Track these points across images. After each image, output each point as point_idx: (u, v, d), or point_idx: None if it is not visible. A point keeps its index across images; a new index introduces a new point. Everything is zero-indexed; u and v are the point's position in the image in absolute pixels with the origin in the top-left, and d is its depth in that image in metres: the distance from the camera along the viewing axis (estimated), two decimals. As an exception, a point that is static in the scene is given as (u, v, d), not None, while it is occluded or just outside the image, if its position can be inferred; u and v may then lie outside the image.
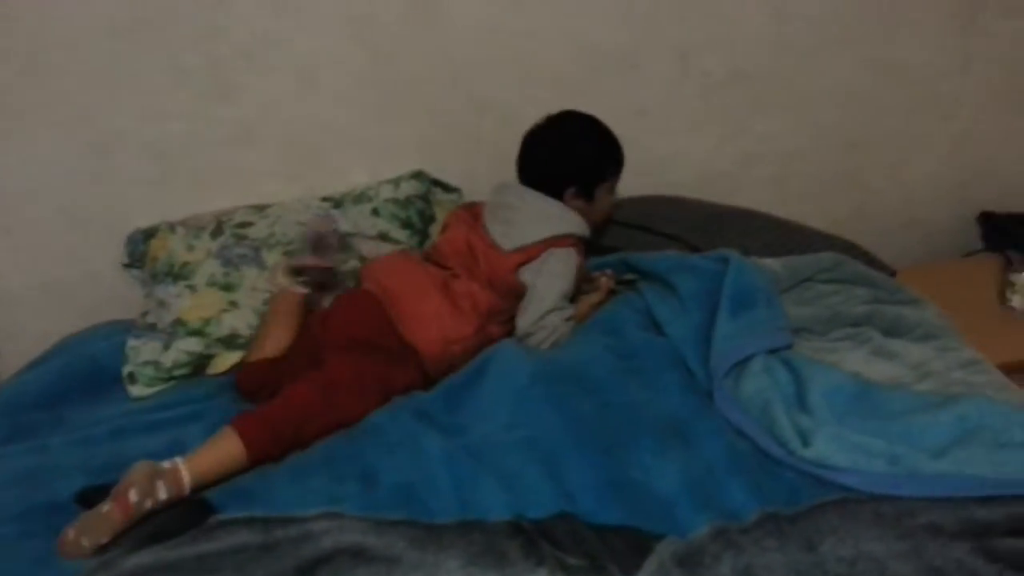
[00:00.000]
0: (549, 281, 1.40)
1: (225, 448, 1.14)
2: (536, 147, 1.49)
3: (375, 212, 1.59)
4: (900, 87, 1.84)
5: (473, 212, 1.52)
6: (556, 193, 1.46)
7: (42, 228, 1.61)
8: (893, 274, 1.55)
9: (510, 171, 1.74)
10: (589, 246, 1.51)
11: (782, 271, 1.45)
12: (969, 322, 1.42)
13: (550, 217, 1.44)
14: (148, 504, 1.06)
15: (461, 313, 1.37)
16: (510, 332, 1.42)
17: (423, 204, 1.63)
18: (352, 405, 1.22)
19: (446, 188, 1.69)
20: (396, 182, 1.64)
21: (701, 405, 1.23)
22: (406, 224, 1.60)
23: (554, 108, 1.69)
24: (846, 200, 1.94)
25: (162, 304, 1.47)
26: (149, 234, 1.56)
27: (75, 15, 1.46)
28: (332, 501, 1.07)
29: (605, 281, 1.49)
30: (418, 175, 1.66)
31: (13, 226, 1.60)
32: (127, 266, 1.58)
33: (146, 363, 1.38)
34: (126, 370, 1.38)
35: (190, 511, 1.08)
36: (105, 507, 1.04)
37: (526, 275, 1.41)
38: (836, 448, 1.11)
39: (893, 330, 1.37)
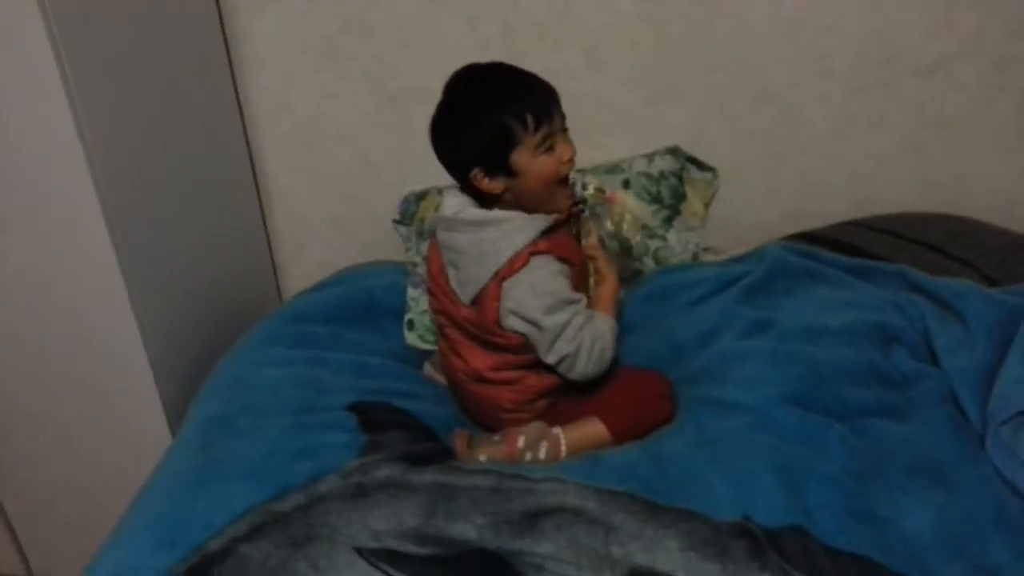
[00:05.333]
0: (533, 307, 1.15)
1: (593, 430, 1.21)
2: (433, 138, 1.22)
3: (626, 184, 1.60)
4: None
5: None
6: (467, 183, 1.20)
7: (340, 169, 1.81)
8: None
9: (781, 167, 1.68)
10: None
11: (1093, 319, 1.26)
12: None
13: (486, 244, 1.16)
14: (528, 456, 1.18)
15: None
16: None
17: (675, 181, 1.60)
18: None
19: (700, 166, 1.65)
20: (650, 156, 1.63)
21: (969, 450, 1.12)
22: (655, 199, 1.59)
23: (841, 108, 1.61)
24: None
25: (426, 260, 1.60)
26: (420, 196, 1.69)
27: (398, -20, 1.61)
28: (556, 468, 1.12)
29: (603, 262, 1.25)
30: (674, 151, 1.63)
31: (319, 164, 1.81)
32: (396, 222, 1.72)
33: (423, 312, 1.50)
34: (407, 316, 1.51)
35: (438, 450, 1.19)
36: (496, 438, 1.21)
37: (511, 323, 1.18)
38: None
39: None
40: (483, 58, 1.63)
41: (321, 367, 1.34)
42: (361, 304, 1.53)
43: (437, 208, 1.28)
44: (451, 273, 1.23)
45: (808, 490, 1.05)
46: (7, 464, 1.52)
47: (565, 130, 1.19)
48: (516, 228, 1.16)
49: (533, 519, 1.03)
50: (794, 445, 1.11)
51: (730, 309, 1.35)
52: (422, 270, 1.57)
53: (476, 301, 1.20)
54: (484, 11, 1.62)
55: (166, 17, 1.45)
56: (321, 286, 1.61)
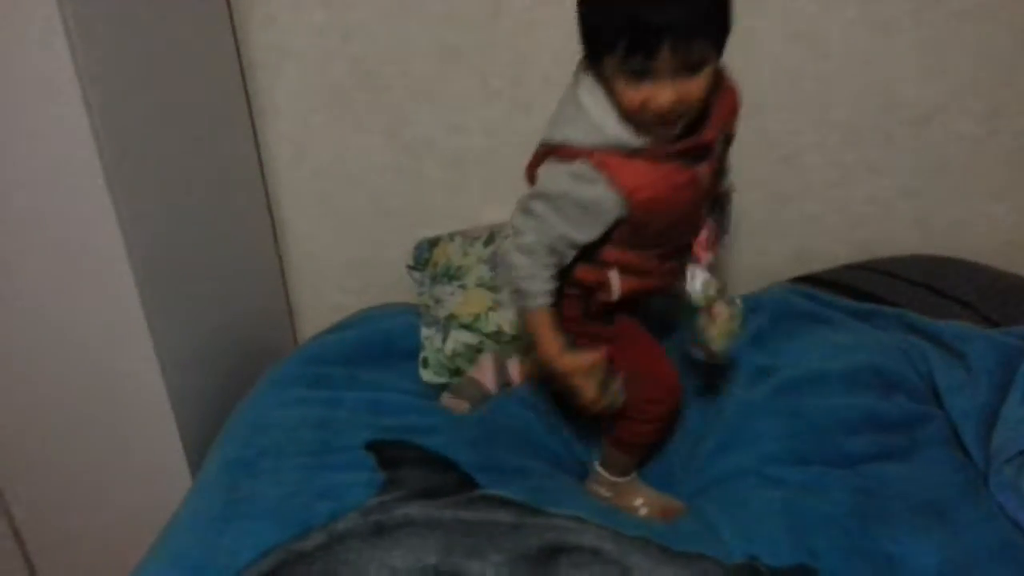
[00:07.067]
0: (522, 202, 1.07)
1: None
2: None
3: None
4: None
5: None
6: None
7: (355, 214, 1.86)
8: None
9: (785, 211, 1.73)
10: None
11: (1090, 360, 1.30)
12: None
13: (556, 118, 1.05)
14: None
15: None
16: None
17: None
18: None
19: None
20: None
21: (972, 488, 1.15)
22: None
23: (841, 153, 1.67)
24: None
25: (439, 301, 1.64)
26: (433, 243, 1.75)
27: (410, 38, 1.68)
28: (577, 506, 1.14)
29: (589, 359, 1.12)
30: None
31: (336, 209, 1.86)
32: (411, 268, 1.77)
33: (438, 350, 1.54)
34: (422, 355, 1.55)
35: (457, 481, 1.21)
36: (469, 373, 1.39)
37: None
38: None
39: None
40: (493, 109, 1.71)
41: (338, 407, 1.37)
42: (378, 345, 1.56)
43: None
44: None
45: (814, 531, 1.08)
46: (27, 504, 1.55)
47: (683, 75, 0.96)
48: (581, 119, 1.01)
49: (550, 556, 1.06)
50: (799, 494, 1.15)
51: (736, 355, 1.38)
52: (435, 312, 1.62)
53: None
54: (493, 65, 1.69)
55: (190, 73, 1.51)
56: (337, 328, 1.64)
